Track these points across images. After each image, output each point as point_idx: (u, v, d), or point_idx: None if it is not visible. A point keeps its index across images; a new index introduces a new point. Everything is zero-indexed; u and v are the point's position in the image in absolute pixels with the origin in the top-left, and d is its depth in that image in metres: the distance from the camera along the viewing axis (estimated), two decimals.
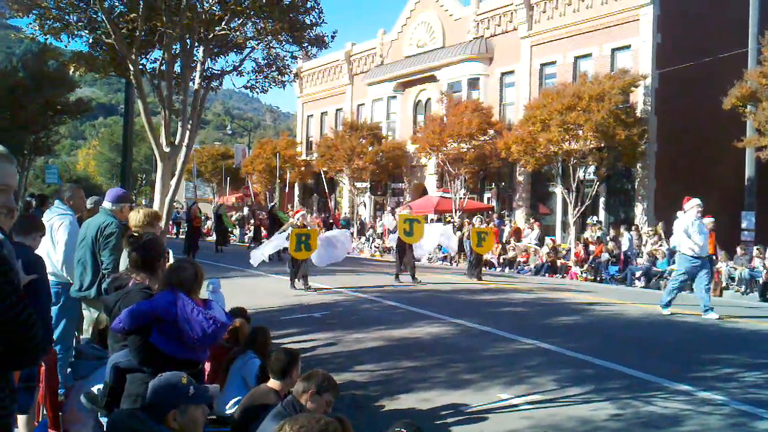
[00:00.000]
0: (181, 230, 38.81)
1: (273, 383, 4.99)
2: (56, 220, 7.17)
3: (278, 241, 18.30)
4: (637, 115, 25.74)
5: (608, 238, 23.51)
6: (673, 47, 25.79)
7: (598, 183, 26.28)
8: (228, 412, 5.67)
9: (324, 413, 4.06)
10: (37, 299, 5.12)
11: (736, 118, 21.81)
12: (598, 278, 22.26)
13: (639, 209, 26.38)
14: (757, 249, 20.12)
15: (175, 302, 4.30)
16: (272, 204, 29.99)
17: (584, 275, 22.72)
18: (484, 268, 24.38)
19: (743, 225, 22.43)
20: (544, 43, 30.36)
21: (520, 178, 31.01)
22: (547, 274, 23.29)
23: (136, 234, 5.03)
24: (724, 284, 19.69)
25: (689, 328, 12.67)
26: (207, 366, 6.22)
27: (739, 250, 20.33)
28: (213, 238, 34.04)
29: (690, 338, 11.57)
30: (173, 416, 3.46)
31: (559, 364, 9.19)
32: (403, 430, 3.87)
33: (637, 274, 21.33)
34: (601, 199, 27.64)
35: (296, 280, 16.95)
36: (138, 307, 4.35)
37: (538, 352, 9.98)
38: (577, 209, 25.91)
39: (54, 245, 7.04)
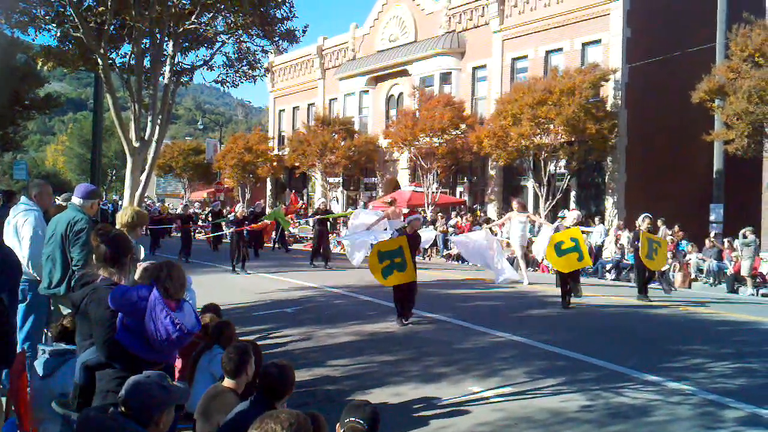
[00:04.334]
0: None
1: (228, 382, 4.95)
2: (21, 216, 7.05)
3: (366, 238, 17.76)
4: (608, 109, 25.94)
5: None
6: (643, 42, 26.01)
7: (569, 177, 26.48)
8: None
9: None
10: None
11: (705, 111, 22.06)
12: None
13: (609, 203, 26.61)
14: (727, 241, 20.41)
15: (147, 297, 4.25)
16: (322, 201, 27.19)
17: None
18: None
19: (712, 217, 22.74)
20: (515, 37, 30.46)
21: (492, 172, 31.14)
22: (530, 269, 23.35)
23: (103, 229, 4.96)
24: (693, 276, 19.96)
25: (660, 320, 12.83)
26: (178, 362, 6.18)
27: (707, 242, 20.60)
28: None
29: (660, 330, 11.71)
30: (163, 417, 3.45)
31: (532, 357, 9.26)
32: (352, 418, 3.76)
33: (608, 267, 21.53)
34: (572, 193, 27.83)
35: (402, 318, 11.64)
36: (119, 289, 4.30)
37: (511, 345, 10.04)
38: (548, 203, 26.10)
39: (19, 242, 6.94)
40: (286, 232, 29.79)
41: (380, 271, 11.25)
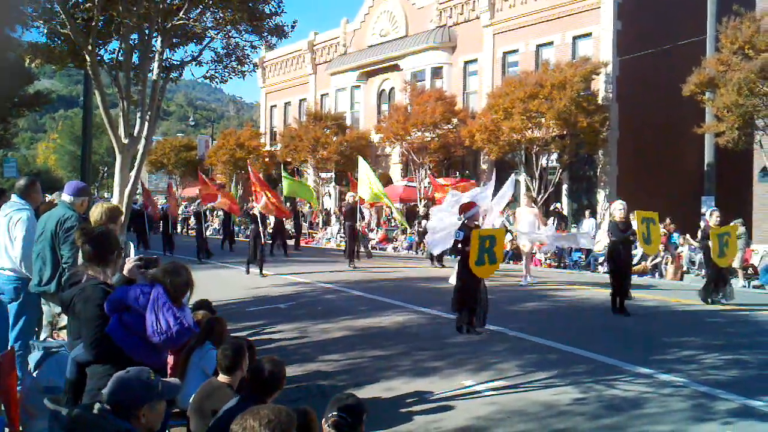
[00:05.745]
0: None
1: (224, 377, 4.94)
2: (14, 214, 6.99)
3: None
4: (599, 102, 25.97)
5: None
6: (634, 34, 26.03)
7: (560, 170, 26.53)
8: None
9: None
10: None
11: (696, 104, 22.11)
12: (562, 264, 22.48)
13: (601, 196, 26.64)
14: None
15: (149, 293, 4.24)
16: (351, 196, 24.30)
17: (548, 261, 22.92)
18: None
19: (703, 210, 22.77)
20: (506, 31, 30.44)
21: (484, 166, 31.13)
22: (511, 261, 23.36)
23: (86, 228, 4.93)
24: (685, 268, 20.00)
25: (651, 312, 12.86)
26: (170, 359, 6.16)
27: (699, 234, 20.60)
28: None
29: (651, 322, 11.75)
30: (144, 412, 3.44)
31: (524, 350, 9.28)
32: (334, 413, 3.71)
33: (600, 259, 21.56)
34: (564, 186, 27.87)
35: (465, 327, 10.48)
36: (116, 295, 4.29)
37: (503, 339, 10.06)
38: (540, 196, 26.11)
39: (12, 240, 6.89)
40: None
41: (476, 255, 10.03)
